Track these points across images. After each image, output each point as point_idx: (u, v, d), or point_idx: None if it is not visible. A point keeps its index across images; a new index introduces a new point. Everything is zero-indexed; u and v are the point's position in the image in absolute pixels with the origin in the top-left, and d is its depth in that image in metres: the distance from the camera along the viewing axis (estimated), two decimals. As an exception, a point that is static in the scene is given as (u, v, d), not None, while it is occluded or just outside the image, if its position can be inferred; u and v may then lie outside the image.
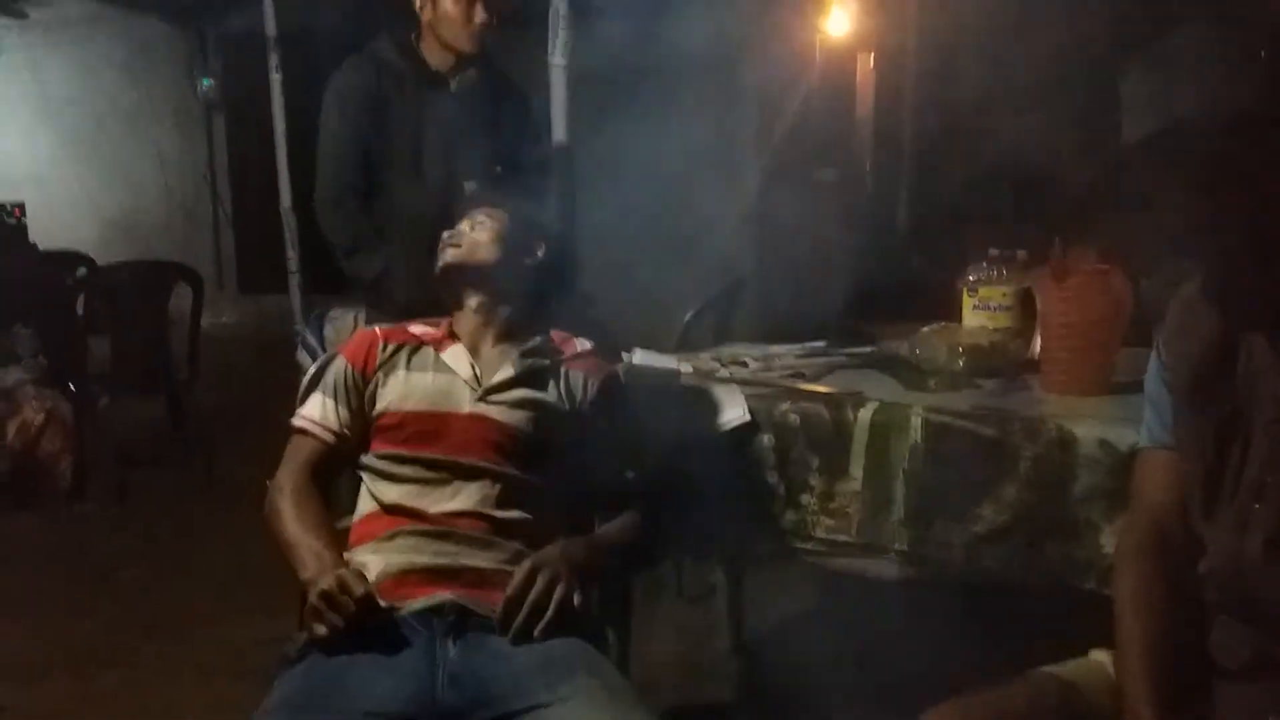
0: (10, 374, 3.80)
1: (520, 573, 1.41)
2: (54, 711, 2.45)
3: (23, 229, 6.79)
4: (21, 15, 6.52)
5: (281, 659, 1.40)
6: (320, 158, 2.41)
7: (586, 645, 1.39)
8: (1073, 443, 1.60)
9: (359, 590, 1.34)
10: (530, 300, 1.73)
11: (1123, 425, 1.55)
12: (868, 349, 2.18)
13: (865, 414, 1.76)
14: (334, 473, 1.67)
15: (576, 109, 3.38)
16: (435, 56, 2.36)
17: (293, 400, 4.43)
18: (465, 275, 1.70)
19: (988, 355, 2.00)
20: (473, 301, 1.70)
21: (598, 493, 1.67)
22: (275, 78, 4.00)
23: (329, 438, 1.63)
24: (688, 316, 3.00)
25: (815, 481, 1.80)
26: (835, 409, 1.79)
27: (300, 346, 4.03)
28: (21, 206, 6.83)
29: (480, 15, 2.26)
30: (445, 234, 1.74)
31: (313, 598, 1.35)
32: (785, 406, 1.83)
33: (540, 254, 1.75)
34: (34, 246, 6.63)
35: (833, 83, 6.66)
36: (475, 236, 1.71)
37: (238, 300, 7.19)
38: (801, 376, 2.01)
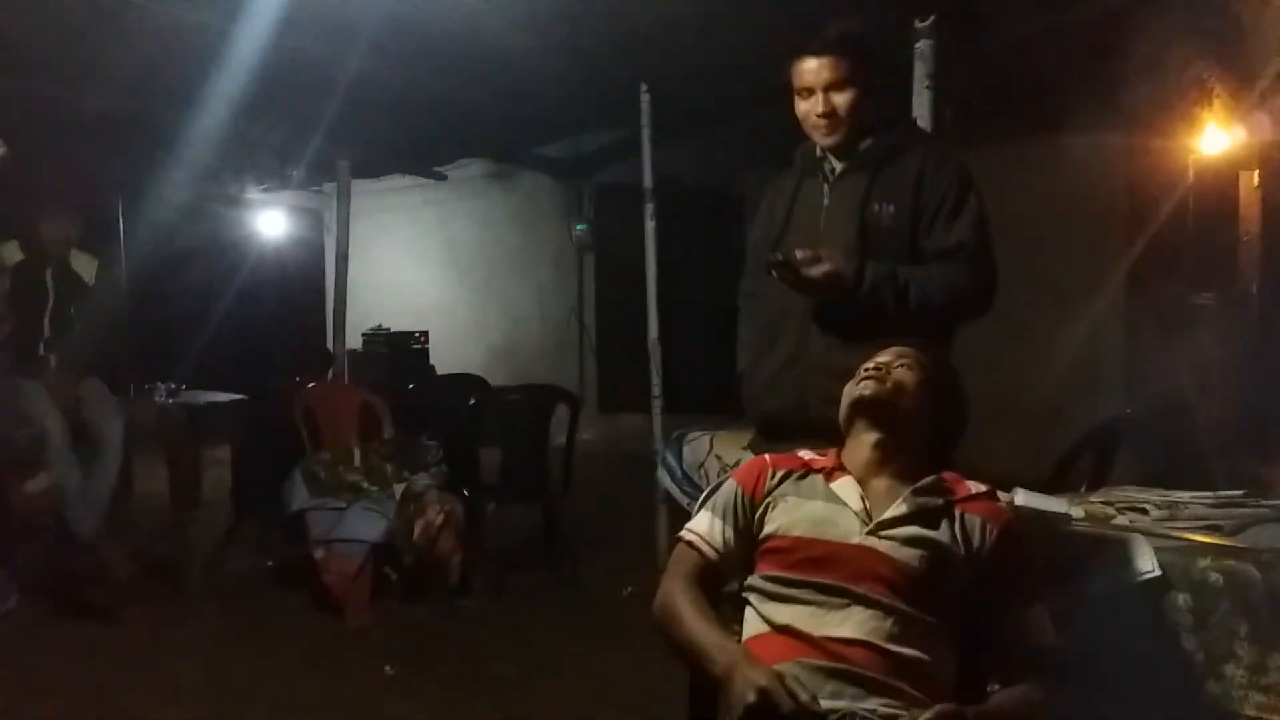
0: (419, 480, 4.33)
1: (939, 707, 1.38)
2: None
3: (425, 352, 7.94)
4: (441, 178, 7.77)
5: None
6: None
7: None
8: None
9: (803, 696, 1.39)
10: (930, 445, 1.71)
11: None
12: (1299, 502, 1.94)
13: (1308, 578, 1.56)
14: (711, 589, 1.70)
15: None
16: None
17: (648, 515, 4.65)
18: (876, 412, 1.69)
19: None
20: (871, 437, 1.70)
21: (995, 650, 1.58)
22: (650, 225, 4.38)
23: (713, 554, 1.69)
24: (1062, 453, 2.82)
25: (1243, 651, 1.62)
26: (1269, 570, 1.60)
27: (660, 465, 4.30)
28: (426, 334, 7.99)
29: (817, 109, 2.16)
30: (866, 365, 1.74)
31: (750, 694, 1.38)
32: (1204, 563, 1.67)
33: (952, 405, 1.74)
34: (433, 368, 7.70)
35: (1209, 201, 6.13)
36: (900, 377, 1.71)
37: (596, 419, 7.79)
38: (1218, 529, 1.83)
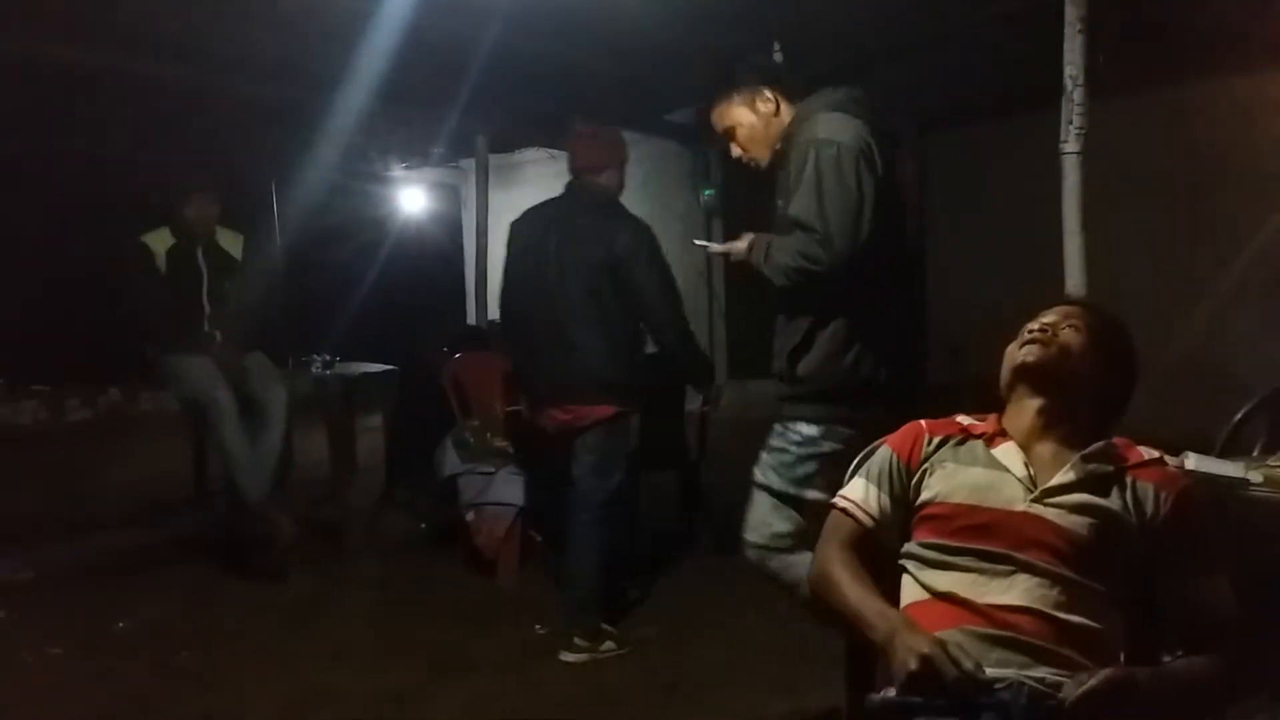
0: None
1: (1106, 672, 1.34)
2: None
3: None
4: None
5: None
6: None
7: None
8: None
9: (967, 664, 1.36)
10: (1098, 410, 1.63)
11: None
12: None
13: None
14: (867, 556, 1.65)
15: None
16: None
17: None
18: (1040, 378, 1.61)
19: None
20: (1035, 403, 1.62)
21: (1173, 622, 1.51)
22: (781, 186, 4.30)
23: (868, 521, 1.66)
24: (1238, 415, 2.65)
25: None
26: None
27: (798, 430, 4.23)
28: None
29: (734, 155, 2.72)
30: (1031, 325, 1.65)
31: (912, 661, 1.37)
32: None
33: (1121, 367, 1.64)
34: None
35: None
36: (1066, 339, 1.62)
37: (727, 385, 7.76)
38: None
